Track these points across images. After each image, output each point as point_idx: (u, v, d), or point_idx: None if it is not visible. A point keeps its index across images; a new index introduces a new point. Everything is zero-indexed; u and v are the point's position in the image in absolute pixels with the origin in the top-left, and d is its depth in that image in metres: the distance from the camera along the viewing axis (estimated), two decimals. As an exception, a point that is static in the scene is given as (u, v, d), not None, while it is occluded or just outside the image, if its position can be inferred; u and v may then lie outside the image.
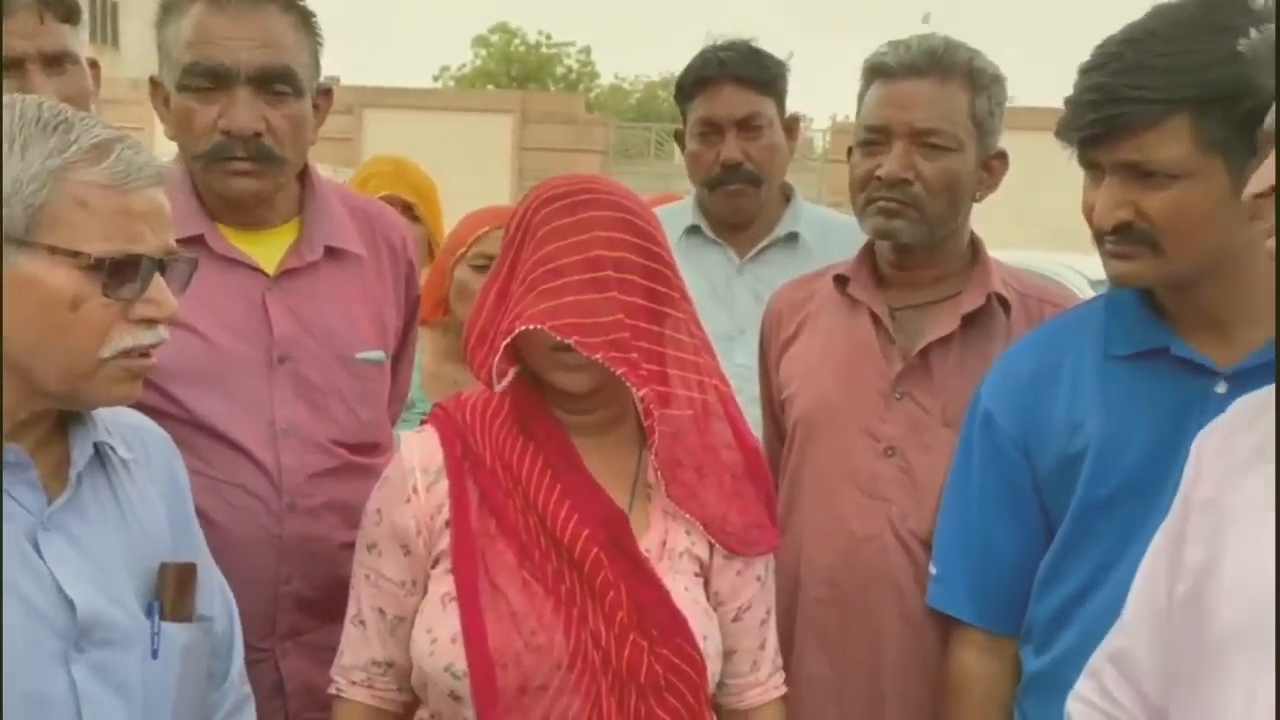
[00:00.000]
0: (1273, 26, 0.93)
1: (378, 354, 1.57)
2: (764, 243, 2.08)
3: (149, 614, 1.09)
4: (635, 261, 1.22)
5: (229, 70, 1.43)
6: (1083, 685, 1.12)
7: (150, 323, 1.06)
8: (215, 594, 1.21)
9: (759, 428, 1.79)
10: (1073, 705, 1.12)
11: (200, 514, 1.29)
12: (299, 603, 1.50)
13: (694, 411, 1.27)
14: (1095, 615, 1.25)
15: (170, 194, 1.51)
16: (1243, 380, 1.20)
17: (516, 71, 31.04)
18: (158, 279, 1.05)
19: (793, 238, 2.08)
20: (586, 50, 33.15)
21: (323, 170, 1.70)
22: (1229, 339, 1.26)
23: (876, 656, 1.54)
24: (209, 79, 1.44)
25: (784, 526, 1.65)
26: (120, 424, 1.15)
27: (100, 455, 1.10)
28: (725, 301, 2.05)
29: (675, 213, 2.14)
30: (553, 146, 17.00)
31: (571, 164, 17.11)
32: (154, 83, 1.52)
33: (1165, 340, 1.29)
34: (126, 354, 1.05)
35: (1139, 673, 1.05)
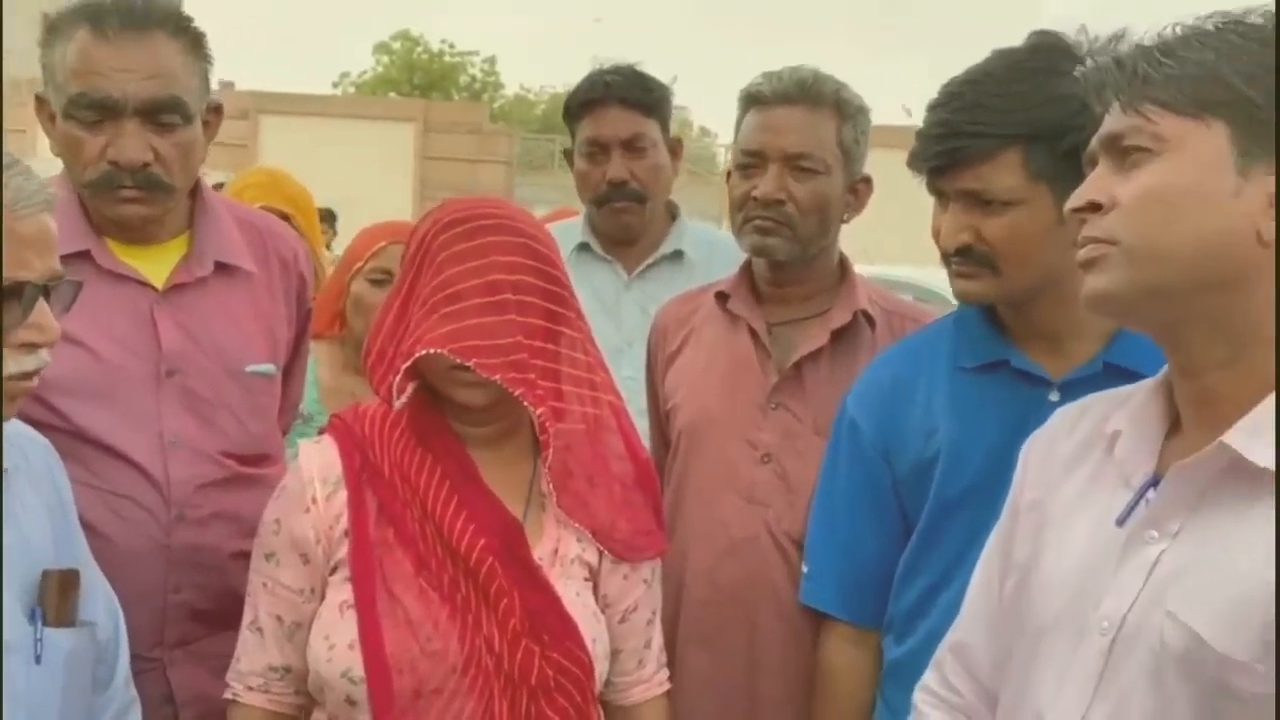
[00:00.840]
0: (1101, 59, 1.01)
1: (268, 367, 1.60)
2: (650, 259, 2.16)
3: (31, 620, 1.10)
4: (533, 284, 1.27)
5: (116, 102, 1.43)
6: (928, 675, 1.20)
7: (32, 347, 1.07)
8: (99, 599, 1.21)
9: (646, 437, 1.87)
10: (918, 694, 1.20)
11: (89, 526, 1.30)
12: (189, 612, 1.52)
13: (587, 425, 1.33)
14: (947, 607, 1.34)
15: (57, 209, 1.51)
16: (1072, 389, 1.31)
17: (419, 79, 30.72)
18: (41, 304, 1.07)
19: (678, 255, 2.16)
20: (491, 60, 33.05)
21: (215, 176, 1.71)
22: (1061, 352, 1.39)
23: (754, 650, 1.63)
24: (96, 111, 1.43)
25: (669, 530, 1.72)
26: None
27: None
28: (614, 315, 2.12)
29: (566, 230, 2.20)
30: (456, 156, 16.87)
31: (475, 174, 17.00)
32: (39, 99, 1.51)
33: (1006, 353, 1.40)
34: (7, 378, 1.05)
35: (975, 662, 1.14)
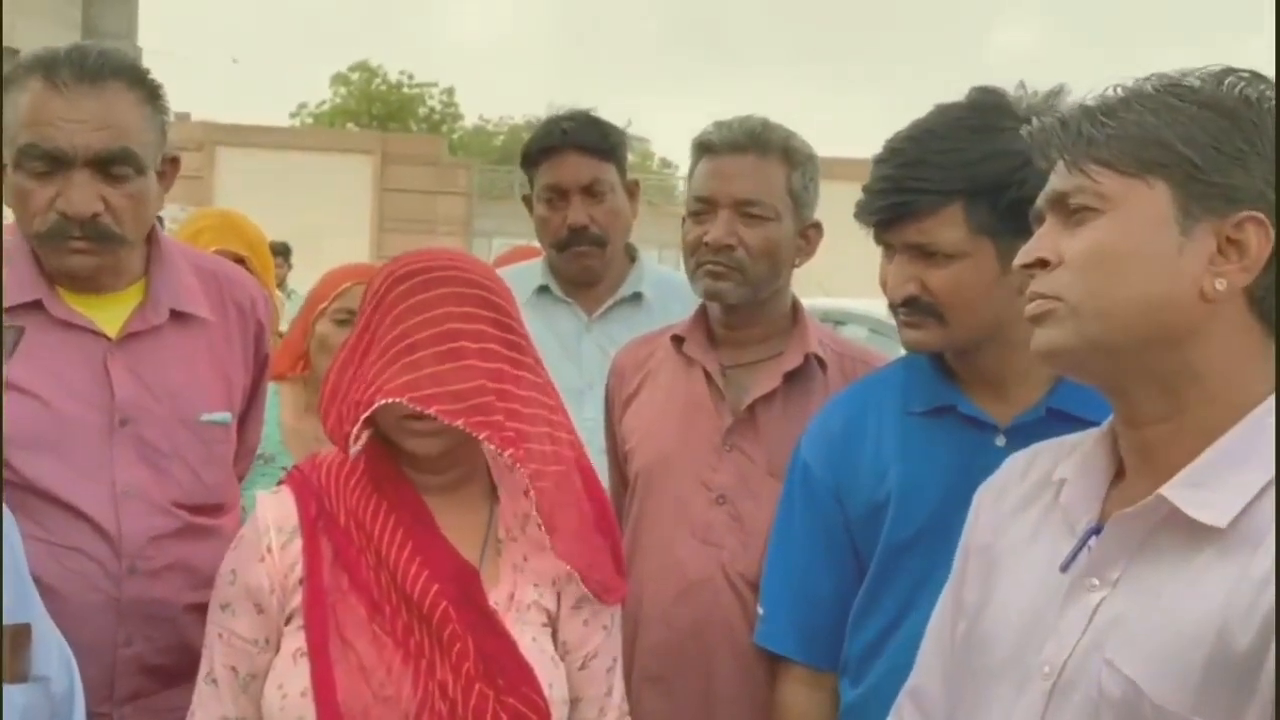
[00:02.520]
0: (1045, 118, 1.04)
1: (223, 415, 1.59)
2: (610, 301, 2.18)
3: None
4: (491, 333, 1.29)
5: (65, 154, 1.42)
6: None
7: None
8: (53, 653, 1.20)
9: (606, 476, 1.89)
10: None
11: (37, 580, 1.28)
12: (140, 666, 1.50)
13: (561, 467, 1.34)
14: (901, 648, 1.36)
15: (8, 259, 1.50)
16: (1018, 434, 1.35)
17: (378, 110, 30.71)
18: None
19: (637, 297, 2.19)
20: (449, 91, 33.12)
21: (170, 209, 1.70)
22: (1006, 398, 1.42)
23: (709, 690, 1.64)
24: (45, 162, 1.43)
25: (627, 571, 1.74)
26: None
27: None
28: (574, 357, 2.13)
29: (526, 272, 2.23)
30: (415, 188, 16.85)
31: (434, 206, 16.99)
32: None
33: (953, 399, 1.44)
34: None
35: (931, 706, 1.16)
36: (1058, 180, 1.00)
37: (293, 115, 31.92)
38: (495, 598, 1.31)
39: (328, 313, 2.23)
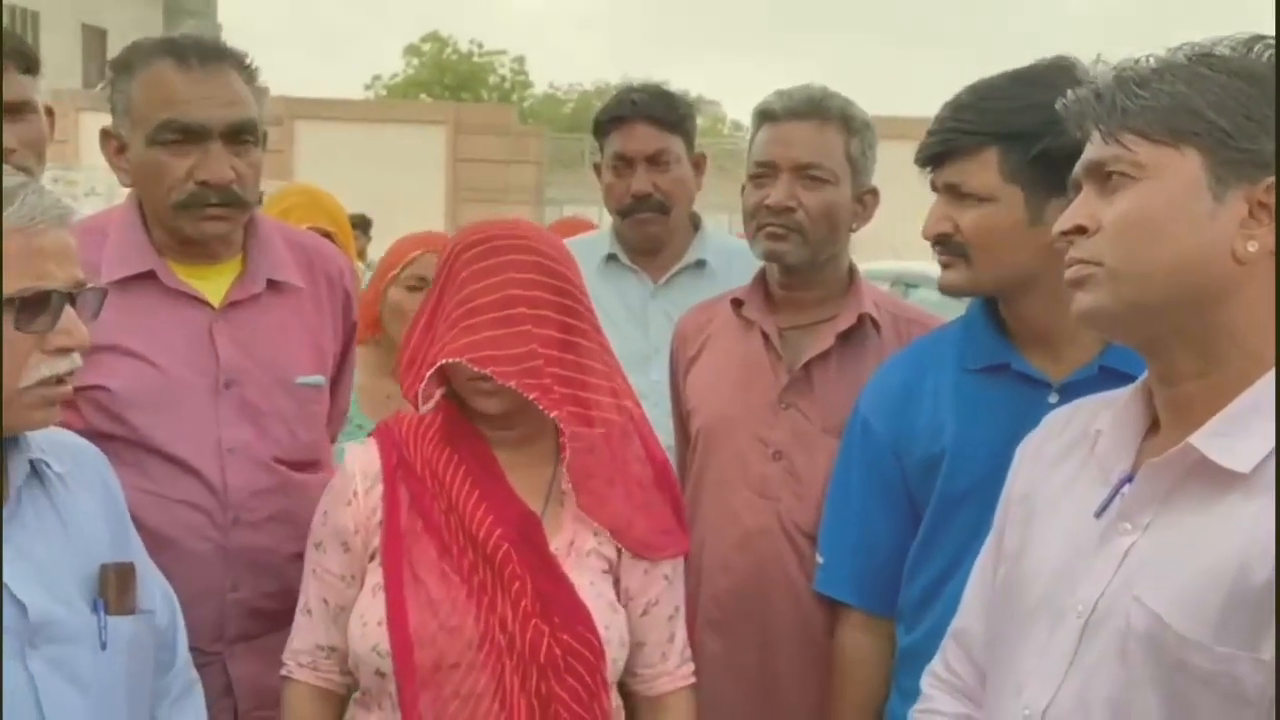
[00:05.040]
0: (1080, 91, 1.08)
1: (317, 378, 1.70)
2: (675, 269, 2.25)
3: (94, 610, 1.19)
4: (548, 299, 1.38)
5: (204, 126, 1.55)
6: (934, 660, 1.29)
7: (64, 351, 1.15)
8: (155, 590, 1.31)
9: (673, 435, 1.97)
10: (925, 678, 1.29)
11: (150, 530, 1.40)
12: (247, 610, 1.62)
13: (607, 429, 1.43)
14: (953, 596, 1.39)
15: (121, 233, 1.64)
16: (1070, 392, 1.38)
17: (449, 80, 30.95)
18: (68, 310, 1.15)
19: (700, 264, 2.25)
20: (520, 59, 33.22)
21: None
22: (1060, 356, 1.46)
23: (768, 635, 1.72)
24: (183, 134, 1.55)
25: (689, 523, 1.82)
26: (52, 441, 1.23)
27: (36, 471, 1.19)
28: (641, 323, 2.21)
29: (594, 242, 2.31)
30: (487, 158, 17.00)
31: (506, 175, 17.14)
32: (106, 134, 1.62)
33: (1007, 357, 1.48)
34: (44, 383, 1.13)
35: (973, 646, 1.23)
36: (1094, 150, 1.05)
37: (367, 87, 32.39)
38: (556, 544, 1.41)
39: (399, 279, 2.33)
